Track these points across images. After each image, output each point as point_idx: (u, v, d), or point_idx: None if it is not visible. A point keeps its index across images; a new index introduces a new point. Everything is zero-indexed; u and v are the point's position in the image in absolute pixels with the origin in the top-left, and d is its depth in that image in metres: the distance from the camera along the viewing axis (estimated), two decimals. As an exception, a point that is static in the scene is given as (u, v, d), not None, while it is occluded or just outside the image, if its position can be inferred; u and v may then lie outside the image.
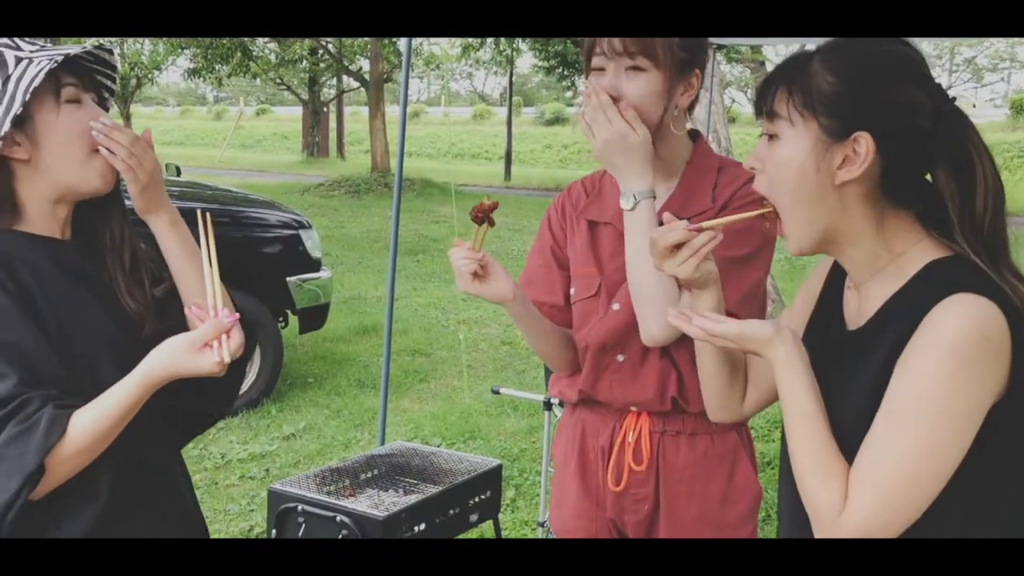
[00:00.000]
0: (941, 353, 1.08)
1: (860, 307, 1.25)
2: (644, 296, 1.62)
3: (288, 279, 5.50)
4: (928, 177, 1.20)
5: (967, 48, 35.46)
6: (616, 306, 1.73)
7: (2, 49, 1.39)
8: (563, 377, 1.86)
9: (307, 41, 22.23)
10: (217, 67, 19.31)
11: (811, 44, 1.29)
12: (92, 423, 1.30)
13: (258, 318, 5.24)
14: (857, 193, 1.19)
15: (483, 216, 1.62)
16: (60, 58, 1.37)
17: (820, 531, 1.15)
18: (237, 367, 1.57)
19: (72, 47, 1.43)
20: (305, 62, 24.45)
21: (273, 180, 21.64)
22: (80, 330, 1.41)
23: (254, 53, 20.71)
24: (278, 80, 26.16)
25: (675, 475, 1.74)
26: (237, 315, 1.34)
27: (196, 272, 1.48)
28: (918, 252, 1.19)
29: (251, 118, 42.17)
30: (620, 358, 1.74)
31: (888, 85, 1.16)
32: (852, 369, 1.21)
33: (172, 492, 1.56)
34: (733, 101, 31.94)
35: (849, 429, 1.18)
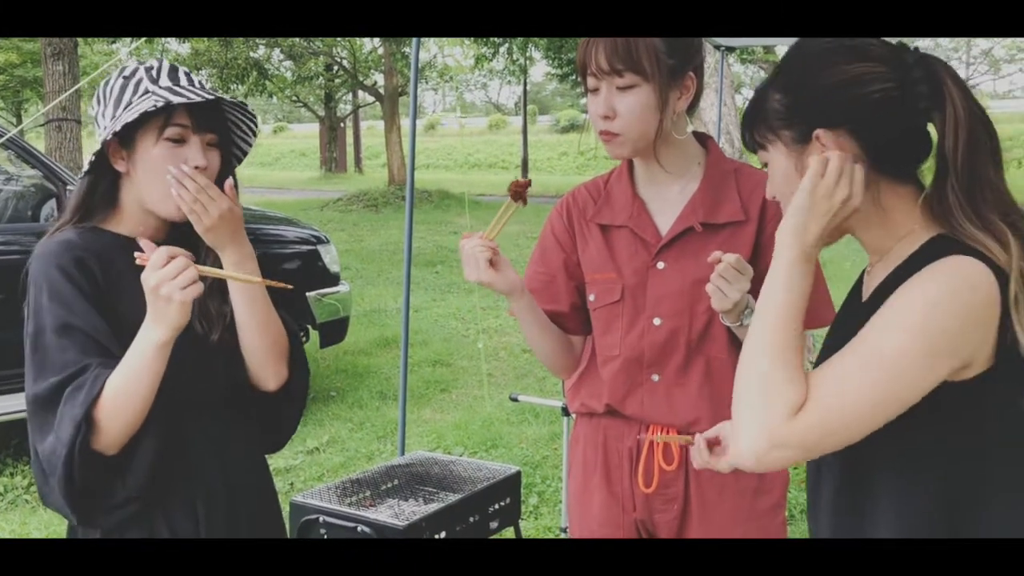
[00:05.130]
0: (927, 292, 1.09)
1: (869, 284, 1.28)
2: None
3: (308, 294, 5.56)
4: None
5: (983, 40, 35.13)
6: (657, 321, 1.72)
7: (146, 80, 1.56)
8: (583, 388, 1.85)
9: (322, 58, 22.40)
10: (233, 87, 19.49)
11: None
12: (120, 380, 1.46)
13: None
14: None
15: (521, 192, 1.68)
16: (161, 103, 1.52)
17: (759, 429, 1.12)
18: (297, 388, 1.75)
19: (197, 93, 1.55)
20: (320, 79, 24.63)
21: (292, 197, 21.80)
22: (125, 322, 1.53)
23: (269, 72, 20.89)
24: (294, 98, 26.37)
25: (706, 471, 1.74)
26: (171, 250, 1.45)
27: (247, 310, 1.63)
28: (921, 230, 1.20)
29: (268, 136, 42.52)
30: (655, 378, 1.74)
31: (827, 73, 1.19)
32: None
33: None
34: (746, 101, 31.77)
35: None
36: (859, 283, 1.34)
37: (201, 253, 1.63)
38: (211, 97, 1.56)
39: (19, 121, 24.38)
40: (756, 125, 1.27)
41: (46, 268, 1.52)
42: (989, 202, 1.15)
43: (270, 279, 1.59)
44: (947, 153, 1.15)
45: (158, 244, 1.60)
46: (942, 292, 1.09)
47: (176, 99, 1.52)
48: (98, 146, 1.56)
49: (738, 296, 1.54)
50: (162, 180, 1.55)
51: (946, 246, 1.14)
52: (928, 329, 1.08)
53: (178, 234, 1.64)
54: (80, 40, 10.78)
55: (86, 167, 1.58)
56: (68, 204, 1.65)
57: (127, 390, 1.44)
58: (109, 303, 1.54)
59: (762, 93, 1.27)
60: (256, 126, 1.70)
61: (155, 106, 1.51)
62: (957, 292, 1.09)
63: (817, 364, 1.32)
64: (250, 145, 1.73)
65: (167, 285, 1.41)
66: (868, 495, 1.21)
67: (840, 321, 1.34)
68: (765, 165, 1.29)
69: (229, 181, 1.59)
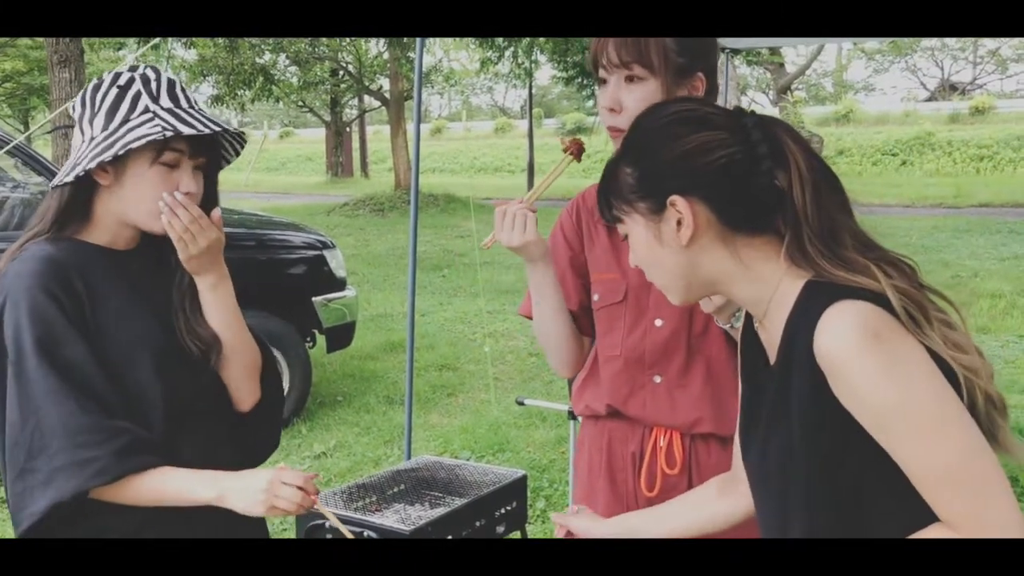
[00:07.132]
0: (858, 347, 1.08)
1: (770, 341, 1.27)
2: None
3: (314, 299, 5.56)
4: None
5: (990, 40, 35.02)
6: (659, 322, 1.72)
7: (145, 96, 1.51)
8: (587, 390, 1.85)
9: (327, 63, 22.45)
10: (240, 92, 19.53)
11: (830, 44, 1.32)
12: (149, 493, 1.49)
13: (285, 338, 5.29)
14: (709, 241, 1.23)
15: (581, 147, 1.76)
16: (170, 133, 1.48)
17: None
18: (271, 405, 1.79)
19: (205, 124, 1.52)
20: (326, 84, 24.67)
21: (299, 201, 21.83)
22: (117, 336, 1.52)
23: (276, 77, 20.94)
24: (300, 103, 26.41)
25: (709, 475, 1.71)
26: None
27: (226, 331, 1.64)
28: (789, 279, 1.22)
29: (275, 141, 42.59)
30: (657, 379, 1.73)
31: (674, 144, 1.23)
32: (779, 404, 1.23)
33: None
34: (752, 102, 31.79)
35: (778, 465, 1.22)
36: (753, 341, 1.34)
37: (177, 273, 1.63)
38: (218, 129, 1.54)
39: (26, 128, 24.50)
40: (612, 199, 1.30)
41: (30, 289, 1.46)
42: (848, 245, 1.18)
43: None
44: (797, 207, 1.18)
45: (128, 252, 1.60)
46: (868, 334, 1.09)
47: (186, 129, 1.49)
48: (91, 162, 1.48)
49: (721, 300, 1.53)
50: (151, 201, 1.53)
51: (825, 290, 1.16)
52: (899, 360, 1.09)
53: (152, 246, 1.63)
54: (86, 47, 10.82)
55: (70, 178, 1.50)
56: (42, 214, 1.58)
57: (146, 497, 1.49)
58: (94, 321, 1.51)
59: (613, 168, 1.30)
60: (242, 148, 1.69)
61: (164, 135, 1.47)
62: (879, 325, 1.10)
63: (742, 429, 1.36)
64: (228, 162, 1.71)
65: (270, 499, 1.51)
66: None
67: (752, 386, 1.34)
68: (626, 238, 1.32)
69: (216, 212, 1.58)
